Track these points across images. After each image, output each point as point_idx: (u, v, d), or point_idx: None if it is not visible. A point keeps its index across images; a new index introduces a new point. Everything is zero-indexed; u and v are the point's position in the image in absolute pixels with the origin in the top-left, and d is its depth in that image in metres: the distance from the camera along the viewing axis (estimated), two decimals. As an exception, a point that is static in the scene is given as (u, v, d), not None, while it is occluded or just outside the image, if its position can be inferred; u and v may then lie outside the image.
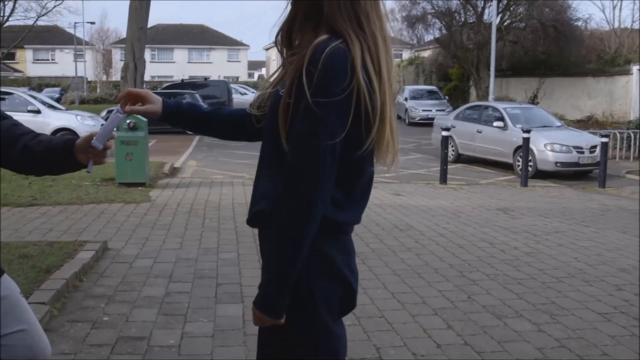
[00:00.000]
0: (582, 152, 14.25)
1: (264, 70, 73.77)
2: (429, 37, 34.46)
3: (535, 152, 14.10)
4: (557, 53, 28.65)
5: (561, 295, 5.19)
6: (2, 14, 39.59)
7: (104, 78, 59.33)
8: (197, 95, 23.74)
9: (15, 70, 54.72)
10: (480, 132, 15.94)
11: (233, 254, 6.21)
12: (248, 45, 70.89)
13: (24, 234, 6.72)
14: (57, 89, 47.22)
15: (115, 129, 1.97)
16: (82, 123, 16.42)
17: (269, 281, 1.68)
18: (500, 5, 28.87)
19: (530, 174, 13.57)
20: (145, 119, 9.95)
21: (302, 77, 1.63)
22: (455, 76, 34.06)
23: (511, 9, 30.02)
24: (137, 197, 9.22)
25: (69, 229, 7.07)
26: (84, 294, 4.83)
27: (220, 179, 11.90)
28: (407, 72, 39.86)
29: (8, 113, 2.16)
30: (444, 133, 13.41)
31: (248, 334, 4.08)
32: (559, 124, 16.21)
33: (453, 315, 4.61)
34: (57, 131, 15.91)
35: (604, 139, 13.27)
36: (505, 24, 29.45)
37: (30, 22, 43.11)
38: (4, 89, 17.90)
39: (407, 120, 28.47)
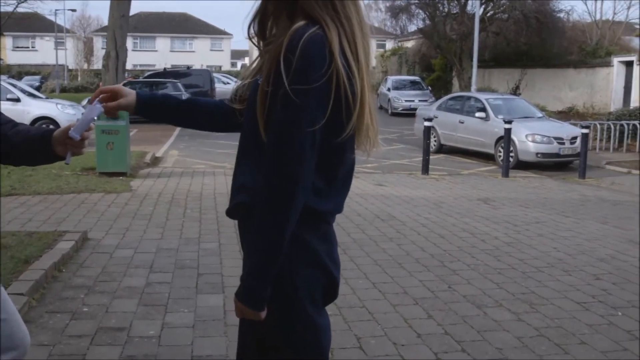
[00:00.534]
0: (563, 143, 14.36)
1: (247, 60, 73.41)
2: (412, 28, 34.56)
3: (517, 142, 14.19)
4: (539, 44, 28.81)
5: (541, 284, 5.24)
6: (-20, 1, 39.06)
7: (85, 66, 58.77)
8: (179, 84, 23.59)
9: (-5, 58, 54.09)
10: (462, 122, 16.00)
11: (214, 244, 6.19)
12: (231, 34, 70.45)
13: (2, 224, 6.64)
14: (38, 77, 46.77)
15: (95, 118, 1.94)
16: (63, 112, 16.27)
17: (250, 272, 1.67)
18: (484, -4, 28.95)
19: (512, 165, 13.66)
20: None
21: (280, 64, 1.61)
22: (438, 67, 34.13)
23: (494, 0, 30.10)
24: (118, 187, 9.16)
25: (48, 219, 7.01)
26: (63, 285, 4.80)
27: (202, 169, 11.84)
28: (390, 63, 39.90)
29: None
30: (427, 123, 13.44)
31: (229, 324, 4.07)
32: (540, 115, 16.31)
33: (434, 305, 4.63)
34: (37, 120, 15.75)
35: (585, 130, 13.38)
36: (488, 15, 29.52)
37: (9, 9, 42.51)
38: (-18, 77, 17.69)
39: (390, 111, 28.47)
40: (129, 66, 27.27)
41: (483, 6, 28.69)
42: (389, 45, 48.09)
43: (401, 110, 27.67)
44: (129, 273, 5.16)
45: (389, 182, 11.12)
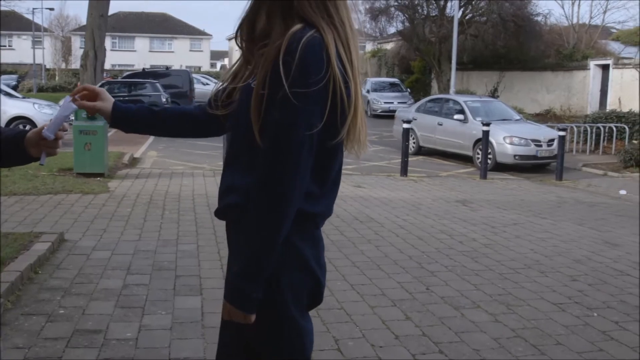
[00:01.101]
0: (540, 145, 14.49)
1: (226, 61, 73.12)
2: (391, 30, 34.59)
3: (495, 145, 14.30)
4: (517, 47, 29.05)
5: (517, 286, 5.28)
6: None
7: (63, 66, 58.08)
8: (158, 84, 23.42)
9: (-30, 57, 53.32)
10: (441, 124, 16.08)
11: (192, 245, 6.17)
12: (211, 35, 70.28)
13: (-23, 225, 6.57)
14: (14, 76, 46.08)
15: (71, 117, 1.92)
16: (40, 111, 16.06)
17: (242, 273, 1.65)
18: (462, -1, 29.15)
19: (490, 167, 13.76)
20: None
21: (278, 67, 1.60)
22: (417, 69, 34.27)
23: (473, 3, 30.28)
24: (96, 188, 9.08)
25: (24, 219, 6.93)
26: (39, 287, 4.75)
27: (180, 170, 11.79)
28: (370, 64, 39.95)
29: None
30: (405, 125, 13.48)
31: (207, 326, 4.06)
32: (518, 117, 16.45)
33: (412, 307, 4.65)
34: (13, 119, 15.56)
35: (562, 133, 13.54)
36: (467, 17, 29.70)
37: (-14, 8, 42.01)
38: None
39: (369, 112, 28.51)
40: (107, 66, 27.02)
41: (462, 9, 28.87)
42: (369, 47, 48.16)
43: (380, 112, 27.78)
44: (105, 275, 5.12)
45: (367, 183, 11.15)
